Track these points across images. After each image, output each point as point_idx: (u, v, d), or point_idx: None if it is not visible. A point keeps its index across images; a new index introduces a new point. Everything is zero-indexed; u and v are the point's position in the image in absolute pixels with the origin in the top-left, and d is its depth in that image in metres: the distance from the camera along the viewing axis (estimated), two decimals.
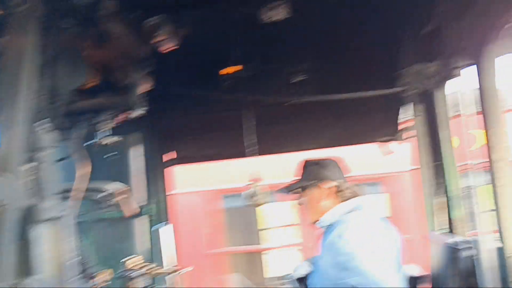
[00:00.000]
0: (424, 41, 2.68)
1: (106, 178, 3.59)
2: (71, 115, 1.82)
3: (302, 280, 2.89)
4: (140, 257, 2.53)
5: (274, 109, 3.60)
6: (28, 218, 1.30)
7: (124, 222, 3.55)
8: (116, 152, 3.47)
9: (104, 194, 2.71)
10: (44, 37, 1.36)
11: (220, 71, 3.33)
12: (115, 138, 1.95)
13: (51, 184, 1.39)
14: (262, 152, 3.58)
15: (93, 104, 1.91)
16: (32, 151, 1.36)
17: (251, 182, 3.45)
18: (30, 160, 1.35)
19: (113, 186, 3.35)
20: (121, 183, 3.46)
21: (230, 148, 3.82)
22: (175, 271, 2.58)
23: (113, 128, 2.07)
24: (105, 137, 1.94)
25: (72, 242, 1.47)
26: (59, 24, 1.58)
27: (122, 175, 3.60)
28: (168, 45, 1.99)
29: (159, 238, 3.46)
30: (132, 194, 3.52)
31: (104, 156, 3.42)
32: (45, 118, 1.45)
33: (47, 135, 1.42)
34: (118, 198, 3.17)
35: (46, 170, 1.38)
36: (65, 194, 1.54)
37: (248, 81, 3.30)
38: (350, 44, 3.03)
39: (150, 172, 3.77)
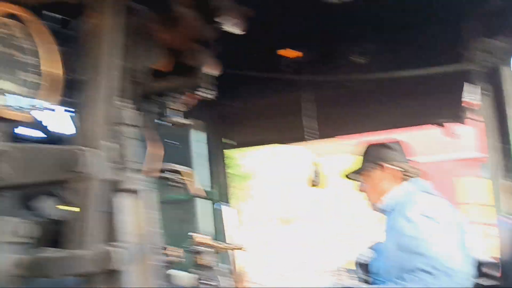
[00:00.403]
0: (491, 14, 2.58)
1: (168, 161, 3.72)
2: (144, 95, 1.90)
3: (364, 266, 2.90)
4: (207, 234, 2.63)
5: (335, 91, 3.58)
6: (111, 189, 1.39)
7: (187, 203, 3.67)
8: (179, 137, 3.58)
9: (170, 175, 2.81)
10: (122, 18, 1.44)
11: (279, 51, 3.34)
12: (184, 120, 2.03)
13: (132, 159, 1.49)
14: (322, 135, 3.58)
15: (163, 85, 1.99)
16: (114, 128, 1.45)
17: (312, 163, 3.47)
18: (113, 136, 1.44)
19: (178, 168, 3.47)
20: (185, 165, 3.58)
21: (290, 131, 3.84)
22: (238, 248, 2.66)
23: (178, 111, 2.14)
24: (174, 117, 2.01)
25: (153, 214, 1.56)
26: (134, 7, 1.66)
27: (184, 158, 3.71)
28: (232, 28, 2.02)
29: (221, 219, 3.56)
30: (195, 176, 3.64)
31: (167, 141, 3.54)
32: (125, 97, 1.54)
33: (127, 113, 1.51)
34: (183, 180, 3.28)
35: (127, 146, 1.47)
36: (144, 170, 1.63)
37: (308, 62, 3.30)
38: (412, 20, 2.96)
39: (211, 155, 3.86)
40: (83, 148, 1.28)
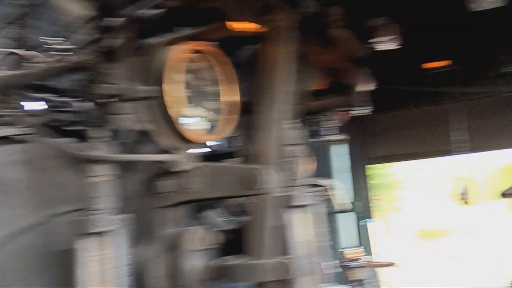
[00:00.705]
0: None
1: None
2: (301, 115, 2.01)
3: None
4: (359, 249, 2.65)
5: (485, 103, 3.41)
6: (283, 205, 1.51)
7: (333, 216, 3.72)
8: (324, 152, 3.66)
9: (318, 188, 2.89)
10: (293, 47, 1.56)
11: (425, 65, 3.27)
12: (339, 136, 2.09)
13: (300, 176, 1.60)
14: (472, 149, 3.42)
15: (319, 104, 2.08)
16: (284, 148, 1.57)
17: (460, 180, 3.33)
18: (283, 155, 1.56)
19: (324, 182, 3.56)
20: (330, 180, 3.64)
21: (437, 145, 3.72)
22: (389, 264, 2.63)
23: (332, 128, 2.21)
24: (329, 134, 2.09)
25: (321, 228, 1.65)
26: (296, 34, 1.77)
27: (327, 172, 3.77)
28: (387, 45, 2.04)
29: (367, 233, 3.55)
30: (339, 189, 3.68)
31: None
32: (291, 118, 1.65)
33: (294, 133, 1.62)
34: (329, 193, 3.35)
35: (295, 164, 1.58)
36: (311, 186, 1.73)
37: (455, 73, 3.18)
38: None
39: (354, 169, 3.88)
40: (261, 167, 1.41)
